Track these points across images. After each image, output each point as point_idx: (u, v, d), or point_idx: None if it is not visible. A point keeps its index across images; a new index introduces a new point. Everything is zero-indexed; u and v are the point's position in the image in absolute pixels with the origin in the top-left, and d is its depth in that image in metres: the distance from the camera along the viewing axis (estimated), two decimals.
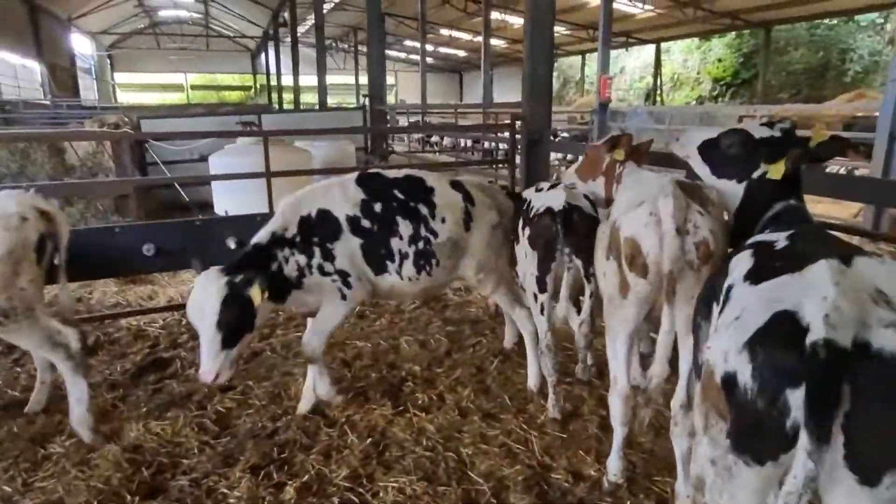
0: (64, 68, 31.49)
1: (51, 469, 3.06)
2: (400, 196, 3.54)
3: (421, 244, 3.51)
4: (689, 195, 2.38)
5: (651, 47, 31.24)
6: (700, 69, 32.53)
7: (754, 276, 1.66)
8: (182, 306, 3.98)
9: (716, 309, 1.80)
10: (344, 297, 3.47)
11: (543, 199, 3.34)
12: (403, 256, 3.50)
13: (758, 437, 1.46)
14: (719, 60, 31.27)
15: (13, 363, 4.31)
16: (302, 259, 3.38)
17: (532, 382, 3.86)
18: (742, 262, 1.78)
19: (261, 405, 3.70)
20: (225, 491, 2.89)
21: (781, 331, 1.43)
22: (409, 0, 28.00)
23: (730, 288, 1.73)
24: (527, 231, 3.34)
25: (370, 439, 3.32)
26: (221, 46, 45.46)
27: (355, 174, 3.65)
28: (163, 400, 3.76)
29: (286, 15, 27.77)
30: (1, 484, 2.93)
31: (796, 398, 1.36)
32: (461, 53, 42.00)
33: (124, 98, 43.30)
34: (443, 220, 3.56)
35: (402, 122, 21.74)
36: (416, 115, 23.42)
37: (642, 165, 3.31)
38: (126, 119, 10.19)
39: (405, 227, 3.49)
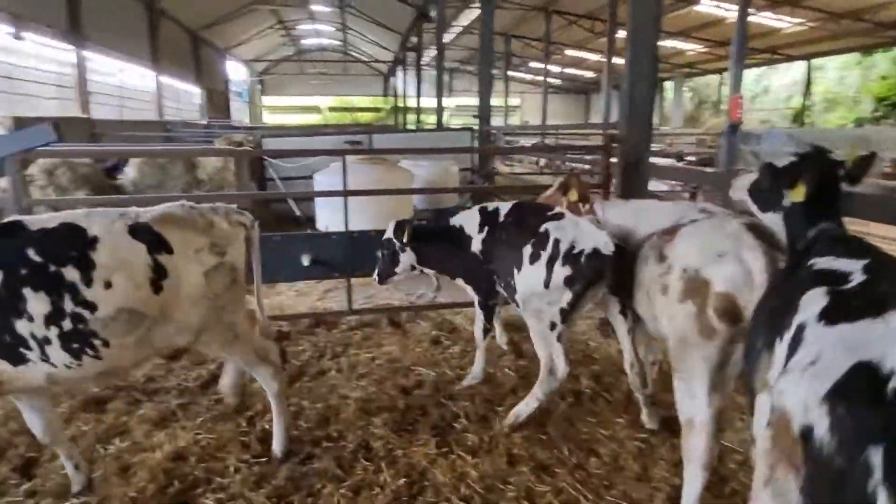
0: (219, 92, 35.23)
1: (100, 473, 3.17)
2: (36, 258, 2.47)
3: (67, 324, 2.48)
4: (765, 240, 2.52)
5: (801, 63, 28.51)
6: (859, 87, 29.10)
7: (829, 316, 1.60)
8: None
9: (779, 344, 1.74)
10: None
11: (576, 234, 3.28)
12: (43, 342, 2.47)
13: (836, 497, 1.34)
14: (883, 77, 27.75)
15: None
16: None
17: (277, 448, 3.30)
18: (815, 300, 1.70)
19: (307, 428, 3.62)
20: None
21: (863, 383, 1.34)
22: (536, 22, 28.01)
23: (802, 327, 1.64)
24: (563, 269, 3.23)
25: (406, 479, 3.10)
26: (357, 71, 48.43)
27: None
28: (219, 412, 3.81)
29: (415, 39, 28.93)
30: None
31: (879, 457, 1.25)
32: (588, 74, 41.16)
33: (269, 119, 47.56)
34: (107, 286, 2.54)
35: (525, 143, 21.56)
36: (537, 136, 23.19)
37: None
38: (250, 137, 10.96)
39: (37, 304, 2.43)
